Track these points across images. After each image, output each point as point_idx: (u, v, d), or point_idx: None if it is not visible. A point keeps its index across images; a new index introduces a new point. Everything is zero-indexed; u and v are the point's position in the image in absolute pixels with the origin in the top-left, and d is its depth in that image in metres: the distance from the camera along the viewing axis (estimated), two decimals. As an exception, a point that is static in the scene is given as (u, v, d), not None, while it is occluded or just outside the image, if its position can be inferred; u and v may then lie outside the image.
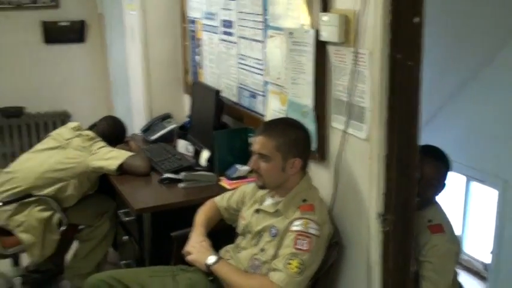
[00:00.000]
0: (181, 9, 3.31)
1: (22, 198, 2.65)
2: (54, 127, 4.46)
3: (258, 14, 2.47)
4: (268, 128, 1.92)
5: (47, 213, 2.69)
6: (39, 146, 2.90)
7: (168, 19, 3.36)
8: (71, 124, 2.94)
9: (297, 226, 1.78)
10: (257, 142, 1.88)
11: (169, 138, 3.19)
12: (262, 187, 1.93)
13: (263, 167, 1.86)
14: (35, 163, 2.76)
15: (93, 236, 2.90)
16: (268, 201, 1.94)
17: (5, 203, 2.61)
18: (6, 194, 2.68)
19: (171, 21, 3.37)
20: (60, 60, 4.55)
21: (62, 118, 4.52)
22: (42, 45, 4.45)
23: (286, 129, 1.89)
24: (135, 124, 3.63)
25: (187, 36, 3.30)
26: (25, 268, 2.96)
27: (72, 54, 4.58)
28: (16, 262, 2.81)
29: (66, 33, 4.46)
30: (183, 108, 3.50)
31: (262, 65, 2.50)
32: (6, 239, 2.61)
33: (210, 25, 3.00)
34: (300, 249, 1.74)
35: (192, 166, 2.72)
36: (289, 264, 1.73)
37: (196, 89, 3.05)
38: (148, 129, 3.36)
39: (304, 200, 1.85)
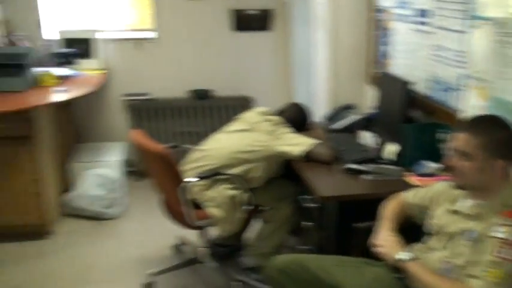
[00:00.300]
0: (368, -2, 3.25)
1: (214, 175, 2.83)
2: (236, 110, 4.71)
3: (461, 3, 2.33)
4: (473, 124, 1.80)
5: (235, 192, 2.85)
6: (229, 127, 3.08)
7: (356, 8, 3.32)
8: (259, 108, 3.07)
9: (500, 233, 1.65)
10: (459, 139, 1.78)
11: (351, 129, 3.17)
12: (460, 187, 1.83)
13: (463, 165, 1.76)
14: (226, 143, 2.93)
15: (276, 218, 3.00)
16: (466, 203, 1.83)
17: (199, 178, 2.80)
18: (200, 170, 2.89)
19: (358, 11, 3.33)
20: (246, 47, 4.77)
21: (244, 102, 4.74)
22: (230, 33, 4.70)
23: (492, 127, 1.76)
24: (317, 111, 3.67)
25: (375, 25, 3.23)
26: (209, 240, 3.16)
27: (257, 42, 4.77)
28: (204, 234, 3.02)
29: (253, 22, 4.65)
30: (365, 99, 3.45)
31: (461, 57, 2.36)
32: (198, 212, 2.81)
33: (402, 14, 2.90)
34: (504, 258, 1.61)
35: (376, 159, 2.68)
36: (489, 272, 1.62)
37: (384, 80, 2.99)
38: (330, 117, 3.38)
39: (508, 206, 1.71)
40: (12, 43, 4.27)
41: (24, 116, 3.35)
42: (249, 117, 3.03)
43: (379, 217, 2.07)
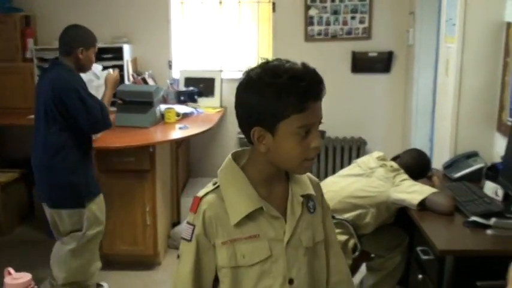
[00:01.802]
0: (506, 43, 3.05)
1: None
2: (351, 152, 4.63)
3: None
4: None
5: (344, 237, 2.74)
6: (344, 171, 3.00)
7: (488, 53, 3.13)
8: (376, 154, 2.96)
9: None
10: None
11: (473, 178, 2.95)
12: None
13: None
14: (338, 187, 2.85)
15: (384, 267, 2.86)
16: None
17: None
18: (310, 212, 2.82)
19: (491, 55, 3.13)
20: (364, 88, 4.70)
21: (358, 144, 4.64)
22: (349, 74, 4.66)
23: None
24: (436, 158, 3.48)
25: (510, 71, 3.02)
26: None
27: (375, 84, 4.68)
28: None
29: (373, 63, 4.59)
30: (492, 147, 3.20)
31: None
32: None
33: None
34: None
35: (503, 212, 2.45)
36: None
37: (516, 128, 2.76)
38: (451, 165, 3.17)
39: None
40: (140, 81, 4.54)
41: (148, 151, 3.51)
42: (365, 161, 2.93)
43: (508, 277, 1.86)
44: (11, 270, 1.44)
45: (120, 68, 4.41)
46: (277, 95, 1.25)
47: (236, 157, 1.40)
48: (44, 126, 2.85)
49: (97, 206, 3.01)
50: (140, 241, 3.62)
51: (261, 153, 1.32)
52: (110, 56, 4.46)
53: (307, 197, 1.42)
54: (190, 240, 1.35)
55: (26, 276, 1.42)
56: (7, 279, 1.39)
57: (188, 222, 1.37)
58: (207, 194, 1.36)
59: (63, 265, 3.02)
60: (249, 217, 1.33)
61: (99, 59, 4.47)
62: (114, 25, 4.73)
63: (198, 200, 1.36)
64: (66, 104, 2.81)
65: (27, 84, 4.58)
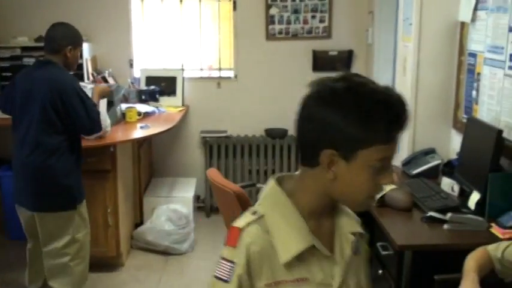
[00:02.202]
0: (460, 42, 3.14)
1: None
2: (313, 151, 4.67)
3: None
4: None
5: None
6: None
7: (444, 51, 3.22)
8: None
9: None
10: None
11: (431, 175, 3.03)
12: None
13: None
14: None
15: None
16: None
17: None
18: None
19: (446, 54, 3.22)
20: (325, 87, 4.74)
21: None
22: (310, 72, 4.71)
23: None
24: (395, 155, 3.55)
25: (464, 69, 3.11)
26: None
27: (336, 83, 4.73)
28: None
29: (334, 62, 4.63)
30: (449, 144, 3.30)
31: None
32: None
33: (494, 59, 2.77)
34: None
35: (459, 207, 2.52)
36: None
37: (471, 126, 2.84)
38: (409, 162, 3.25)
39: None
40: (100, 80, 4.48)
41: (108, 151, 3.48)
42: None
43: (463, 269, 1.93)
44: None
45: (79, 66, 4.35)
46: (365, 119, 1.08)
47: (280, 182, 1.21)
48: (37, 127, 2.78)
49: (84, 209, 3.00)
50: (102, 242, 3.58)
51: (317, 180, 1.14)
52: (68, 54, 4.36)
53: (355, 235, 1.24)
54: (228, 281, 1.13)
55: None
56: None
57: (225, 259, 1.15)
58: (248, 224, 1.15)
59: (68, 277, 2.96)
60: (299, 256, 1.14)
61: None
62: (73, 23, 4.59)
63: (238, 232, 1.15)
64: (66, 105, 2.77)
65: (-18, 83, 4.45)
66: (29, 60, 4.41)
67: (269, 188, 1.21)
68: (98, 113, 2.95)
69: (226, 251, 1.16)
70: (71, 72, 3.04)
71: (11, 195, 3.22)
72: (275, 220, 1.15)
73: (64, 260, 2.94)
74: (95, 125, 2.92)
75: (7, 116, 4.11)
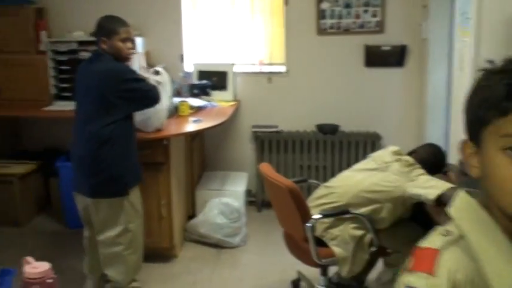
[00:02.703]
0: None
1: (339, 214, 2.78)
2: (365, 147, 4.64)
3: None
4: None
5: (360, 232, 2.76)
6: (359, 166, 3.01)
7: (504, 47, 3.11)
8: (391, 148, 2.97)
9: None
10: None
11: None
12: None
13: None
14: (353, 181, 2.87)
15: (401, 262, 2.85)
16: None
17: (325, 216, 2.76)
18: (325, 207, 2.84)
19: (507, 49, 3.11)
20: (377, 83, 4.69)
21: (372, 139, 4.65)
22: (362, 68, 4.66)
23: None
24: (452, 153, 3.48)
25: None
26: (328, 279, 3.08)
27: (389, 78, 4.67)
28: (324, 272, 2.95)
29: (386, 57, 4.57)
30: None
31: None
32: (321, 249, 2.76)
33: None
34: None
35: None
36: None
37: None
38: (466, 161, 3.18)
39: None
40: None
41: (162, 144, 3.54)
42: (380, 156, 2.94)
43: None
44: (30, 259, 1.45)
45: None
46: (477, 91, 0.94)
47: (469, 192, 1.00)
48: (90, 117, 2.89)
49: (136, 196, 3.06)
50: (156, 233, 3.66)
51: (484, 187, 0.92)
52: (123, 49, 4.46)
53: None
54: None
55: (44, 266, 1.43)
56: (26, 268, 1.40)
57: None
58: (446, 246, 0.92)
59: (122, 266, 3.05)
60: None
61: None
62: (126, 18, 4.70)
63: (435, 254, 0.91)
64: (121, 89, 2.88)
65: (41, 76, 4.61)
66: (84, 54, 4.54)
67: (461, 202, 0.98)
68: (155, 88, 3.08)
69: (416, 278, 0.90)
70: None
71: (69, 185, 3.43)
72: (480, 243, 0.91)
73: (118, 249, 3.03)
74: (155, 94, 3.04)
75: (64, 109, 4.27)
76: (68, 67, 4.58)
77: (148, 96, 3.01)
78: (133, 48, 3.10)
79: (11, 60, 4.61)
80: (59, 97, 4.63)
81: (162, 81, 3.41)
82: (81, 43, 4.55)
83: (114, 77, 2.89)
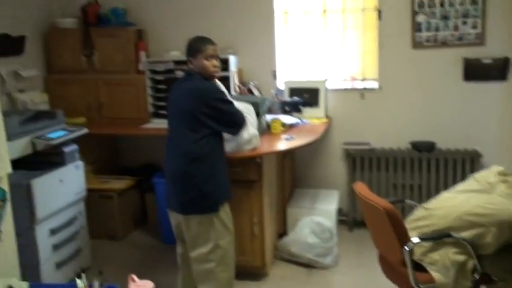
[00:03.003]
0: None
1: (440, 237, 2.64)
2: (463, 165, 4.41)
3: None
4: None
5: (462, 257, 2.61)
6: (460, 187, 2.86)
7: None
8: (496, 168, 2.80)
9: None
10: None
11: None
12: None
13: None
14: (455, 203, 2.72)
15: (507, 292, 2.67)
16: None
17: (424, 239, 2.64)
18: (424, 230, 2.72)
19: None
20: (477, 98, 4.45)
21: (471, 157, 4.41)
22: (461, 82, 4.45)
23: None
24: None
25: None
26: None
27: (489, 92, 4.42)
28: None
29: (487, 71, 4.34)
30: None
31: None
32: (419, 274, 2.63)
33: None
34: None
35: None
36: None
37: None
38: None
39: None
40: (246, 92, 4.62)
41: (255, 161, 3.56)
42: (483, 176, 2.78)
43: None
44: (135, 277, 1.48)
45: (226, 78, 4.54)
46: None
47: None
48: (181, 135, 2.97)
49: (225, 213, 3.09)
50: (248, 251, 3.67)
51: None
52: (217, 67, 4.56)
53: None
54: None
55: (148, 284, 1.45)
56: (131, 286, 1.43)
57: None
58: None
59: (214, 283, 3.08)
60: None
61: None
62: (220, 37, 4.77)
63: None
64: (211, 109, 2.94)
65: (139, 95, 4.82)
66: (179, 73, 4.69)
67: None
68: (240, 113, 3.11)
69: None
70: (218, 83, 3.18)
71: (164, 201, 3.53)
72: None
73: (209, 266, 3.05)
74: (241, 121, 3.11)
75: (161, 126, 4.42)
76: (164, 86, 4.75)
77: (233, 119, 3.06)
78: (219, 66, 3.12)
79: (113, 80, 4.86)
80: (156, 115, 4.80)
81: (248, 111, 3.41)
82: (177, 62, 4.70)
83: (201, 95, 2.95)
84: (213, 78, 3.11)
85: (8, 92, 4.45)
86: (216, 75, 3.13)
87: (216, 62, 3.07)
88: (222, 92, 3.09)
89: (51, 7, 5.11)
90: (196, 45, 3.04)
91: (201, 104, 2.93)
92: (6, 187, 1.88)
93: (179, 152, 2.99)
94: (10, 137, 2.90)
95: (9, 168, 1.88)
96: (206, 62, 3.02)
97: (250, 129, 3.29)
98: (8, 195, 1.89)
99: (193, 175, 2.96)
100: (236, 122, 3.10)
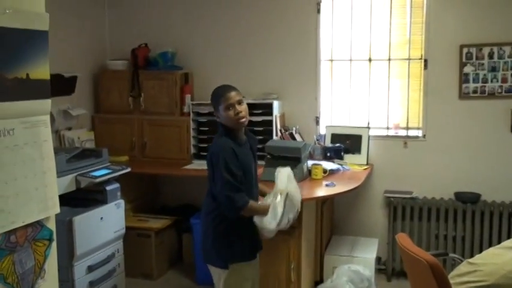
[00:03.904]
0: None
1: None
2: (509, 219, 4.27)
3: None
4: None
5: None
6: (508, 243, 2.75)
7: None
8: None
9: None
10: None
11: None
12: None
13: None
14: (502, 260, 2.60)
15: None
16: None
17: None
18: (469, 286, 2.61)
19: None
20: (525, 150, 4.35)
21: (520, 211, 4.27)
22: (508, 134, 4.35)
23: None
24: None
25: None
26: None
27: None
28: None
29: (536, 123, 4.25)
30: None
31: None
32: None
33: None
34: None
35: None
36: None
37: None
38: None
39: None
40: (288, 136, 4.63)
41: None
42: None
43: None
44: None
45: (269, 123, 4.57)
46: None
47: None
48: (209, 185, 2.94)
49: (237, 274, 2.89)
50: (286, 298, 3.60)
51: None
52: (259, 111, 4.63)
53: None
54: None
55: None
56: None
57: None
58: None
59: None
60: None
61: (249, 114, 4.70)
62: (264, 82, 4.92)
63: None
64: (214, 169, 2.81)
65: (182, 136, 4.89)
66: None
67: None
68: (229, 198, 2.74)
69: None
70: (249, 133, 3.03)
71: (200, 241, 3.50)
72: None
73: None
74: (226, 206, 2.77)
75: (201, 168, 4.45)
76: (207, 128, 4.81)
77: (220, 190, 2.76)
78: (244, 110, 2.83)
79: (158, 121, 4.96)
80: (198, 156, 4.85)
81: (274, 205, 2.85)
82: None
83: (210, 155, 2.85)
84: (240, 126, 2.85)
85: (57, 129, 4.59)
86: (244, 122, 2.84)
87: (240, 108, 2.80)
88: (226, 162, 2.75)
89: (104, 49, 5.31)
90: (216, 97, 2.86)
91: (210, 159, 2.85)
92: (53, 227, 1.92)
93: (204, 201, 2.98)
94: (57, 174, 2.97)
95: (57, 209, 1.92)
96: (228, 112, 2.79)
97: (266, 221, 2.79)
98: (54, 235, 1.92)
99: (207, 227, 2.92)
100: (224, 203, 2.77)
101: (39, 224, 1.86)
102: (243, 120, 2.84)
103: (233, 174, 2.75)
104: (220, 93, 2.85)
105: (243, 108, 2.84)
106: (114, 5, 5.32)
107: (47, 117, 1.87)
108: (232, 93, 2.83)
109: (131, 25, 5.26)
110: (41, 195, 1.84)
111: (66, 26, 4.68)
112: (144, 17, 5.23)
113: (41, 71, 1.82)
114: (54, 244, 1.91)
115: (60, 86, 4.49)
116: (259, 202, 2.90)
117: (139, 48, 5.06)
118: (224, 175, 2.73)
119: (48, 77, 1.85)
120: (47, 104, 1.86)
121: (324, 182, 3.92)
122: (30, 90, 1.78)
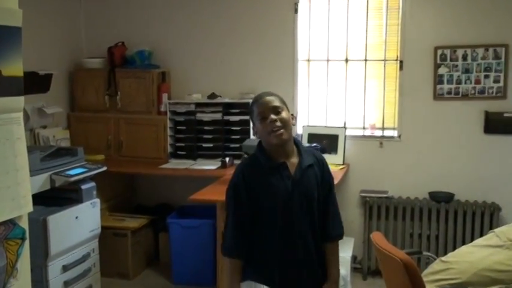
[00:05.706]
0: None
1: (457, 292, 2.57)
2: (482, 218, 4.35)
3: None
4: None
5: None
6: (480, 241, 2.80)
7: None
8: (517, 224, 2.75)
9: None
10: None
11: None
12: None
13: None
14: (474, 258, 2.66)
15: None
16: None
17: (441, 293, 2.57)
18: (441, 283, 2.65)
19: None
20: (497, 150, 4.43)
21: (491, 210, 4.34)
22: (481, 135, 4.43)
23: None
24: None
25: None
26: None
27: (510, 146, 4.39)
28: None
29: (509, 124, 4.32)
30: None
31: None
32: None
33: None
34: None
35: None
36: None
37: None
38: None
39: None
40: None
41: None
42: (504, 232, 2.72)
43: None
44: None
45: (246, 122, 4.58)
46: None
47: None
48: None
49: None
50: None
51: None
52: (237, 111, 4.63)
53: None
54: None
55: None
56: None
57: None
58: None
59: None
60: None
61: (226, 113, 4.72)
62: (242, 81, 4.92)
63: None
64: None
65: (159, 135, 4.87)
66: (201, 116, 4.74)
67: None
68: (228, 236, 2.35)
69: None
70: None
71: (177, 240, 3.51)
72: None
73: None
74: (224, 246, 2.36)
75: (178, 167, 4.41)
76: (184, 127, 4.80)
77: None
78: (277, 119, 2.17)
79: (134, 120, 4.93)
80: (175, 155, 4.83)
81: None
82: (198, 105, 4.77)
83: None
84: (275, 139, 2.20)
85: (31, 127, 4.52)
86: (280, 135, 2.18)
87: (273, 116, 2.17)
88: (229, 196, 2.33)
89: (80, 47, 5.25)
90: (250, 108, 2.31)
91: None
92: (26, 226, 1.89)
93: None
94: (31, 173, 2.93)
95: (30, 208, 1.89)
96: (260, 126, 2.23)
97: None
98: (27, 234, 1.89)
99: None
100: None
101: (11, 223, 1.83)
102: (280, 132, 2.19)
103: (228, 215, 2.35)
104: (254, 101, 2.29)
105: (281, 118, 2.20)
106: (90, 2, 5.27)
107: (20, 115, 1.84)
108: (268, 99, 2.22)
109: (108, 23, 5.21)
110: (13, 194, 1.82)
111: (40, 23, 4.62)
112: (121, 15, 5.19)
113: (14, 67, 1.79)
114: (27, 243, 1.89)
115: (35, 83, 4.43)
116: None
117: (116, 46, 5.02)
118: (228, 216, 2.36)
119: (21, 73, 1.82)
120: (19, 101, 1.83)
121: (301, 182, 3.92)
122: (3, 87, 1.75)
